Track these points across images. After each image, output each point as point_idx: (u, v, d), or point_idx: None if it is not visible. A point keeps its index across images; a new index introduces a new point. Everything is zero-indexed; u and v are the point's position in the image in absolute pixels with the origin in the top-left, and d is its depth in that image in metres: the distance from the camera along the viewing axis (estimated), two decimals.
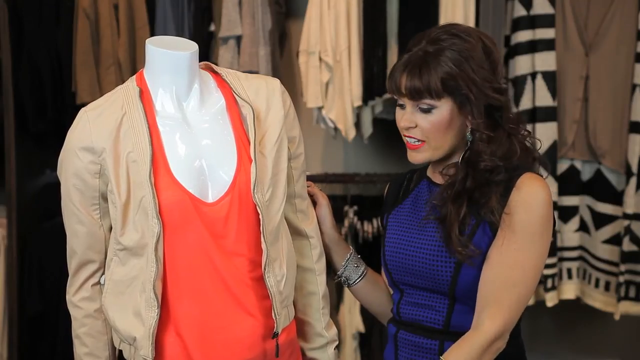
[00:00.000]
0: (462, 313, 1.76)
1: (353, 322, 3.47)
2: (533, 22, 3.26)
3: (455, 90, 1.71)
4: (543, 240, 1.71)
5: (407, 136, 1.78)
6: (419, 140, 1.77)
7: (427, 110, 1.74)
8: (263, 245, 1.78)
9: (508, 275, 1.68)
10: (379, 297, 2.00)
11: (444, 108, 1.73)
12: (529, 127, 3.24)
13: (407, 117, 1.76)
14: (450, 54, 1.71)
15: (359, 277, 1.98)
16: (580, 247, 3.36)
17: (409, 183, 1.94)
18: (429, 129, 1.74)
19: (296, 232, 1.95)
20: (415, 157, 1.79)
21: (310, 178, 2.06)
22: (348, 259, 1.99)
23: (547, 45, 3.26)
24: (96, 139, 1.76)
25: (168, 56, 1.81)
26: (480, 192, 1.73)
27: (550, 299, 3.33)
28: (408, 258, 1.82)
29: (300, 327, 1.98)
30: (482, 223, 1.73)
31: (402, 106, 1.79)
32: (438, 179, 1.85)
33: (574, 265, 3.36)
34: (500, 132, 1.75)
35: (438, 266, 1.76)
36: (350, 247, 2.04)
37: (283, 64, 3.73)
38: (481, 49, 1.74)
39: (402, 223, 1.88)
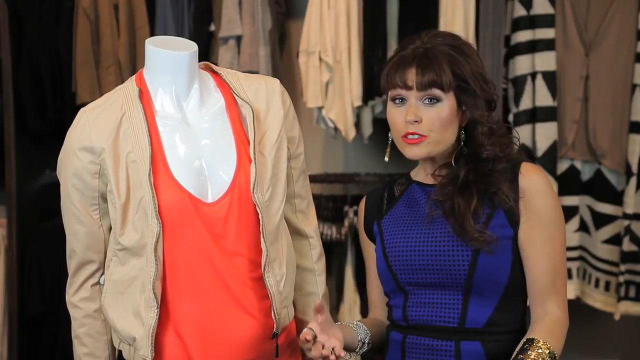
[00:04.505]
0: (477, 307, 1.75)
1: None
2: (533, 22, 3.26)
3: (460, 85, 1.74)
4: (563, 221, 1.79)
5: (409, 133, 1.76)
6: (420, 135, 1.75)
7: (432, 104, 1.75)
8: (262, 245, 1.78)
9: (554, 265, 1.75)
10: (380, 326, 1.92)
11: (447, 102, 1.75)
12: (529, 127, 3.25)
13: (413, 111, 1.75)
14: (456, 49, 1.76)
15: (366, 329, 1.85)
16: (580, 247, 3.36)
17: (391, 192, 1.92)
18: (433, 121, 1.74)
19: (296, 232, 1.95)
20: (415, 151, 1.77)
21: (310, 178, 2.05)
22: (355, 325, 1.84)
23: (547, 45, 3.25)
24: (96, 139, 1.77)
25: (168, 56, 1.81)
26: (486, 182, 1.76)
27: None
28: (417, 255, 1.79)
29: (300, 327, 1.98)
30: (497, 211, 1.75)
31: (401, 101, 1.77)
32: (430, 181, 1.85)
33: (574, 265, 3.36)
34: (497, 127, 1.80)
35: (453, 257, 1.74)
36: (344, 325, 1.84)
37: (283, 64, 3.72)
38: (474, 49, 1.82)
39: (400, 224, 1.85)
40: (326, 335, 1.67)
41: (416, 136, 1.76)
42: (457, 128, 1.78)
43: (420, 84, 1.74)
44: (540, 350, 1.67)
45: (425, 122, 1.75)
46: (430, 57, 1.75)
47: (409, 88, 1.76)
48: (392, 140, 1.82)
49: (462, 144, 1.79)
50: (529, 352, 1.67)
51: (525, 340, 1.70)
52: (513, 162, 1.78)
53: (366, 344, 1.83)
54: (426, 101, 1.75)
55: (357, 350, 1.82)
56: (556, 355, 1.69)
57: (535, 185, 1.75)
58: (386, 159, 1.85)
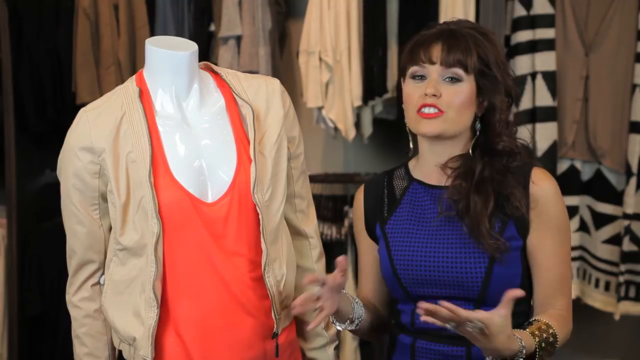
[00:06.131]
0: None
1: None
2: (533, 22, 3.26)
3: (483, 69, 1.73)
4: (570, 227, 1.82)
5: (428, 105, 1.72)
6: (437, 110, 1.72)
7: (452, 82, 1.73)
8: (263, 245, 1.78)
9: (562, 272, 1.76)
10: (378, 315, 1.89)
11: (467, 84, 1.73)
12: (529, 127, 3.25)
13: (434, 85, 1.72)
14: (483, 35, 1.76)
15: (362, 309, 1.80)
16: (580, 247, 3.36)
17: (392, 189, 1.86)
18: (453, 98, 1.72)
19: (296, 232, 1.95)
20: (430, 126, 1.72)
21: (310, 178, 2.05)
22: (356, 302, 1.79)
23: (547, 45, 3.25)
24: (96, 139, 1.77)
25: (168, 56, 1.81)
26: (501, 182, 1.73)
27: None
28: (427, 268, 1.74)
29: (300, 327, 1.98)
30: (509, 222, 1.72)
31: (421, 78, 1.74)
32: (433, 180, 1.80)
33: (573, 265, 3.36)
34: (513, 118, 1.81)
35: (466, 271, 1.71)
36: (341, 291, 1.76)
37: (283, 64, 3.72)
38: (498, 40, 1.85)
39: (406, 230, 1.80)
40: (327, 302, 1.64)
41: (433, 110, 1.72)
42: (473, 114, 1.76)
43: (446, 61, 1.72)
44: (543, 327, 1.65)
45: (444, 98, 1.72)
46: (458, 37, 1.74)
47: (432, 63, 1.73)
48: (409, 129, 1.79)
49: (477, 133, 1.77)
50: (532, 326, 1.65)
51: (529, 321, 1.69)
52: (524, 165, 1.76)
53: (354, 324, 1.78)
54: (447, 79, 1.73)
55: (345, 324, 1.77)
56: (558, 338, 1.66)
57: (547, 194, 1.74)
58: (411, 146, 1.83)
